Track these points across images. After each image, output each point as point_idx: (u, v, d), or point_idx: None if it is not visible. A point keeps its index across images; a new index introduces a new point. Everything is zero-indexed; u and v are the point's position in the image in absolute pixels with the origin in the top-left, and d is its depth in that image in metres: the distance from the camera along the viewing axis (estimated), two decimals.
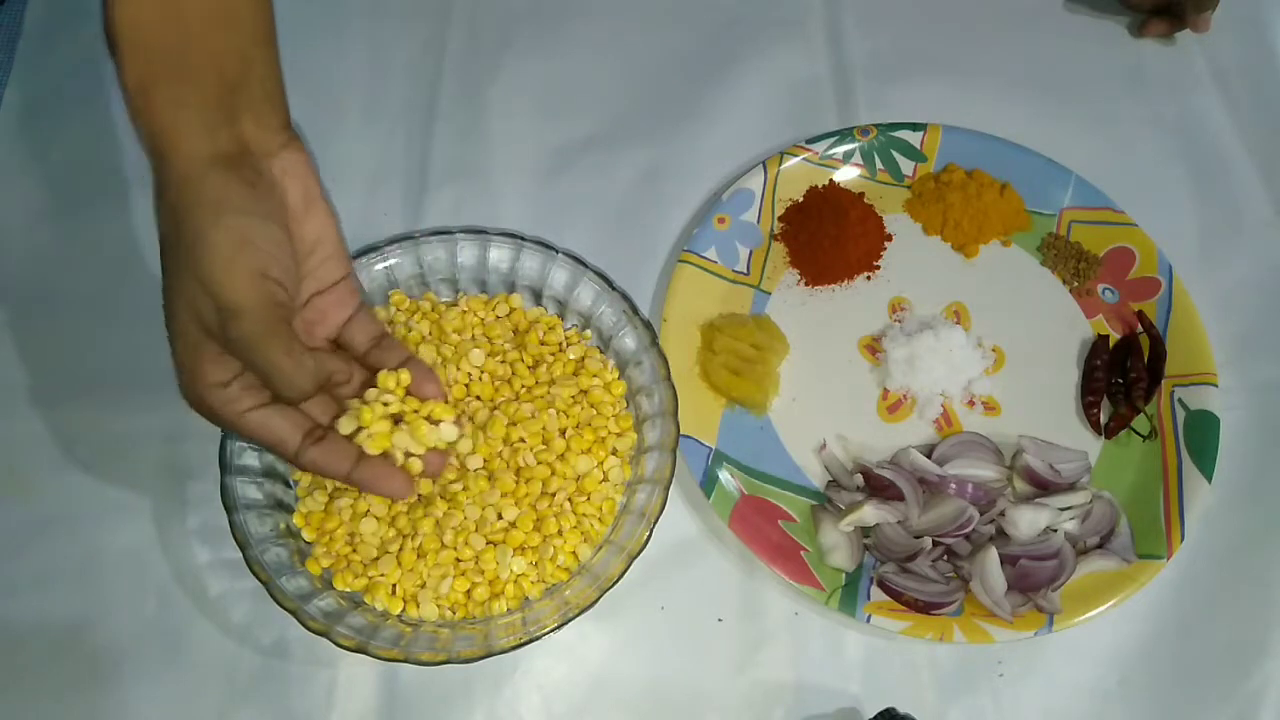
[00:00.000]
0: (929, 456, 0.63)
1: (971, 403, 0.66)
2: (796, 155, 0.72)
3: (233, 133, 0.43)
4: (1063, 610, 0.58)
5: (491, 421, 0.59)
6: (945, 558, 0.61)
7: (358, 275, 0.61)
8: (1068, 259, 0.70)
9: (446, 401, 0.52)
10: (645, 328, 0.61)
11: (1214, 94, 0.79)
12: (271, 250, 0.42)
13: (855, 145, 0.72)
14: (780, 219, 0.71)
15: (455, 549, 0.55)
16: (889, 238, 0.71)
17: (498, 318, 0.63)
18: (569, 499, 0.58)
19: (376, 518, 0.56)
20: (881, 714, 0.56)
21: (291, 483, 0.59)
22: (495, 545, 0.56)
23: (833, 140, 0.72)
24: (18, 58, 0.75)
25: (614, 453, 0.60)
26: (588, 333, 0.63)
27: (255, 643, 0.58)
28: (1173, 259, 0.69)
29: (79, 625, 0.58)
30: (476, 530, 0.56)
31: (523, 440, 0.58)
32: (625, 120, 0.76)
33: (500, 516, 0.57)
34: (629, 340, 0.61)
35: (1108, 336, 0.68)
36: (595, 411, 0.60)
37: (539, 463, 0.58)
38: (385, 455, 0.49)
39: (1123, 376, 0.66)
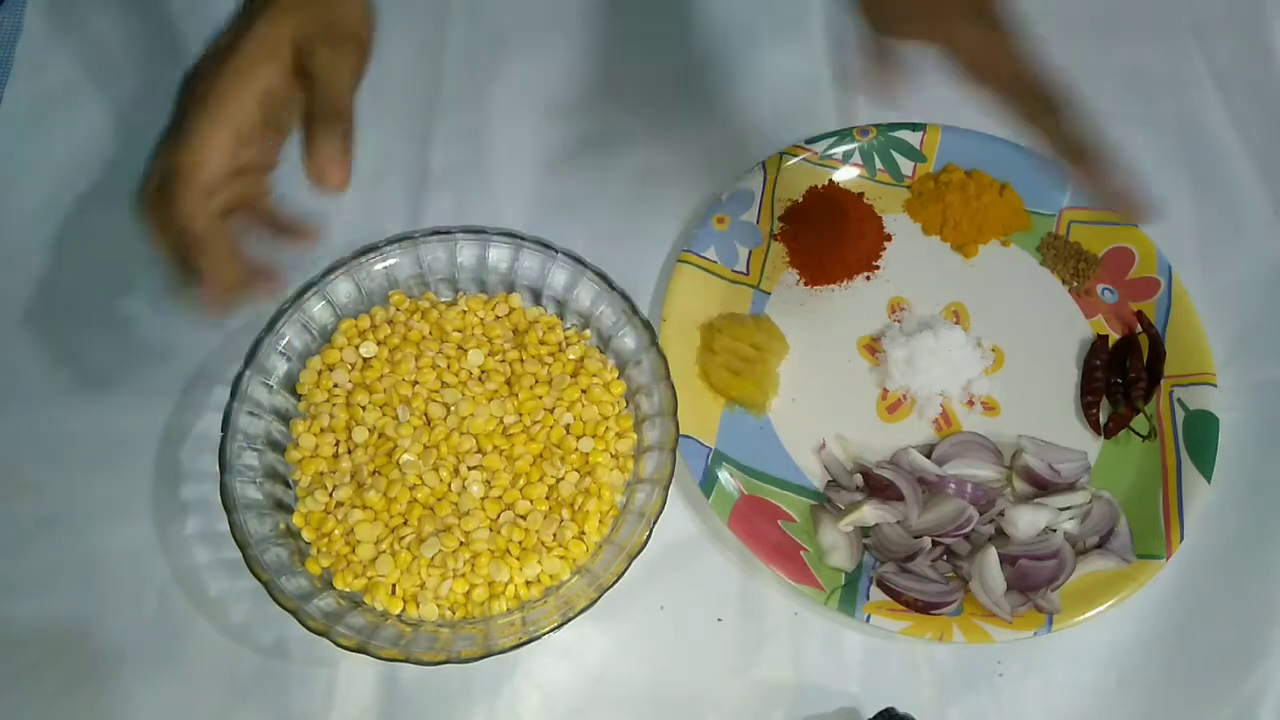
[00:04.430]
0: (928, 456, 0.63)
1: (971, 403, 0.66)
2: (796, 155, 0.72)
3: None
4: (1062, 610, 0.58)
5: (489, 422, 0.59)
6: (945, 558, 0.61)
7: (357, 275, 0.61)
8: (1067, 259, 0.70)
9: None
10: (645, 327, 0.61)
11: (1214, 94, 0.79)
12: None
13: (855, 145, 0.72)
14: (780, 219, 0.71)
15: (453, 556, 0.56)
16: (888, 238, 0.71)
17: (497, 318, 0.64)
18: (568, 500, 0.58)
19: (375, 510, 0.56)
20: (881, 714, 0.56)
21: (291, 483, 0.59)
22: (493, 554, 0.56)
23: (832, 140, 0.72)
24: (18, 58, 0.75)
25: (614, 453, 0.60)
26: (587, 332, 0.63)
27: (255, 643, 0.58)
28: (1172, 259, 0.69)
29: (79, 625, 0.58)
30: (472, 537, 0.56)
31: (526, 437, 0.59)
32: (625, 120, 0.76)
33: (498, 518, 0.57)
34: (629, 340, 0.61)
35: (1107, 336, 0.68)
36: (595, 411, 0.60)
37: (537, 462, 0.59)
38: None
39: (1122, 376, 0.66)
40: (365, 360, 0.61)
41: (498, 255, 0.63)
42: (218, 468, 0.55)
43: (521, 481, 0.58)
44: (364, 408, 0.59)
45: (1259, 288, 0.72)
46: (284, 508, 0.57)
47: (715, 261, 0.69)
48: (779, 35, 0.80)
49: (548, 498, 0.58)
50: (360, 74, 0.50)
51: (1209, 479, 0.61)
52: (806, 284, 0.70)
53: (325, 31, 0.48)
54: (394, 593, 0.55)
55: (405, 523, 0.57)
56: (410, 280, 0.63)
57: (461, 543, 0.56)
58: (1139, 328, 0.68)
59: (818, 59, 0.79)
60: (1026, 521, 0.59)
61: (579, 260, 0.62)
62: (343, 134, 0.47)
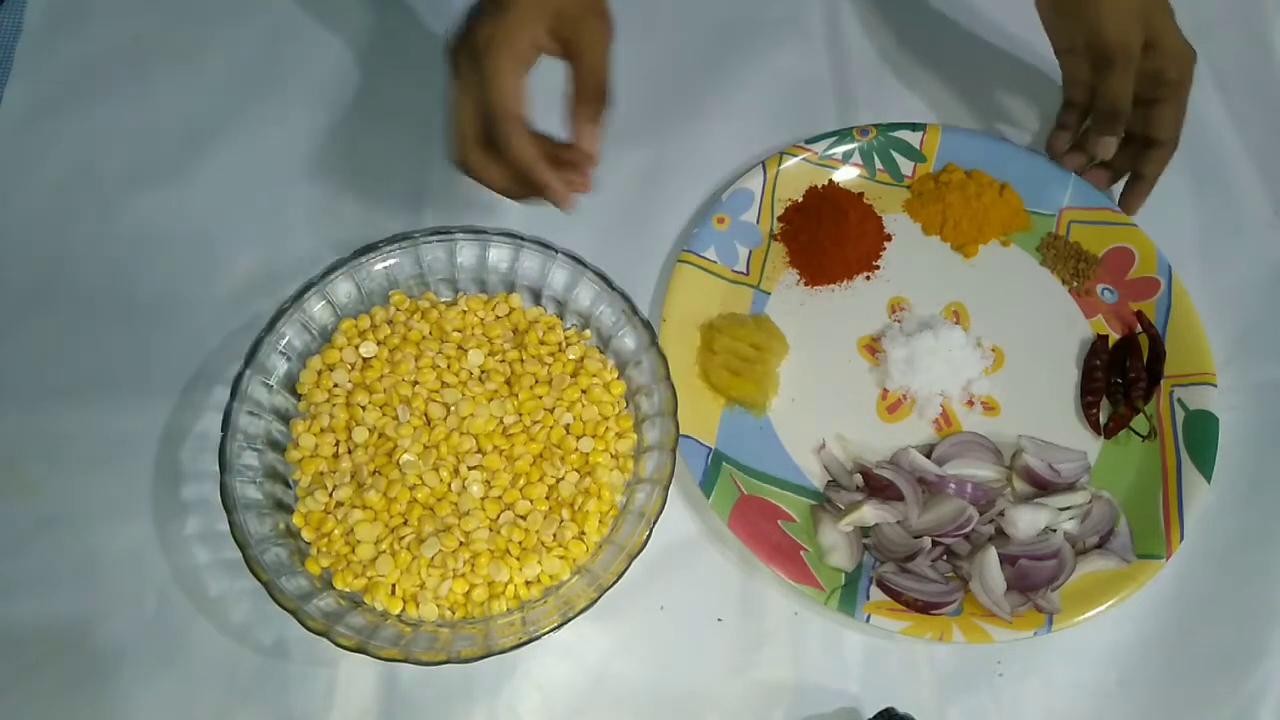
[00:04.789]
0: (928, 456, 0.63)
1: (971, 403, 0.66)
2: (796, 155, 0.72)
3: None
4: (1062, 610, 0.58)
5: (489, 422, 0.59)
6: (945, 558, 0.61)
7: (357, 275, 0.61)
8: (1067, 259, 0.70)
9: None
10: (645, 328, 0.61)
11: (1214, 94, 0.79)
12: None
13: (855, 145, 0.72)
14: (780, 219, 0.71)
15: (453, 556, 0.56)
16: (888, 238, 0.71)
17: (497, 318, 0.64)
18: (568, 500, 0.58)
19: (374, 510, 0.56)
20: (881, 714, 0.56)
21: (291, 483, 0.59)
22: (493, 554, 0.56)
23: (832, 140, 0.72)
24: (18, 58, 0.75)
25: (614, 453, 0.60)
26: (587, 333, 0.63)
27: (255, 643, 0.58)
28: (1172, 259, 0.69)
29: (79, 625, 0.58)
30: (472, 537, 0.56)
31: (526, 437, 0.59)
32: (625, 120, 0.75)
33: (498, 518, 0.57)
34: (629, 340, 0.61)
35: (1107, 336, 0.68)
36: (595, 411, 0.60)
37: (537, 462, 0.59)
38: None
39: (1122, 376, 0.66)
40: (365, 360, 0.61)
41: (498, 255, 0.63)
42: (218, 468, 0.55)
43: (521, 481, 0.58)
44: (364, 408, 0.59)
45: (1259, 288, 0.72)
46: (284, 508, 0.57)
47: (715, 261, 0.69)
48: (779, 35, 0.80)
49: (548, 498, 0.58)
50: (611, 49, 0.57)
51: (1209, 479, 0.61)
52: (806, 284, 0.69)
53: (584, 3, 0.55)
54: (394, 593, 0.55)
55: (405, 523, 0.57)
56: (410, 280, 0.63)
57: (461, 543, 0.56)
58: (1139, 328, 0.68)
59: (818, 59, 0.79)
60: (1026, 521, 0.59)
61: (579, 260, 0.62)
62: (605, 108, 0.57)
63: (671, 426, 0.57)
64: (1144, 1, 0.64)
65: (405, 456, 0.58)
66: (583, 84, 0.57)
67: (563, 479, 0.58)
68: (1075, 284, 0.70)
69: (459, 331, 0.62)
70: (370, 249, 0.61)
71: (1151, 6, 0.64)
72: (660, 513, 0.55)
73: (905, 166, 0.73)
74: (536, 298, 0.64)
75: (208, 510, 0.60)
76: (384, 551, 0.56)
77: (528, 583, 0.56)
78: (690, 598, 0.61)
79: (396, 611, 0.55)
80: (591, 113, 0.57)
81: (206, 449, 0.62)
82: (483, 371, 0.61)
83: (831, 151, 0.72)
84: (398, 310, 0.63)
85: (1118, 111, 0.66)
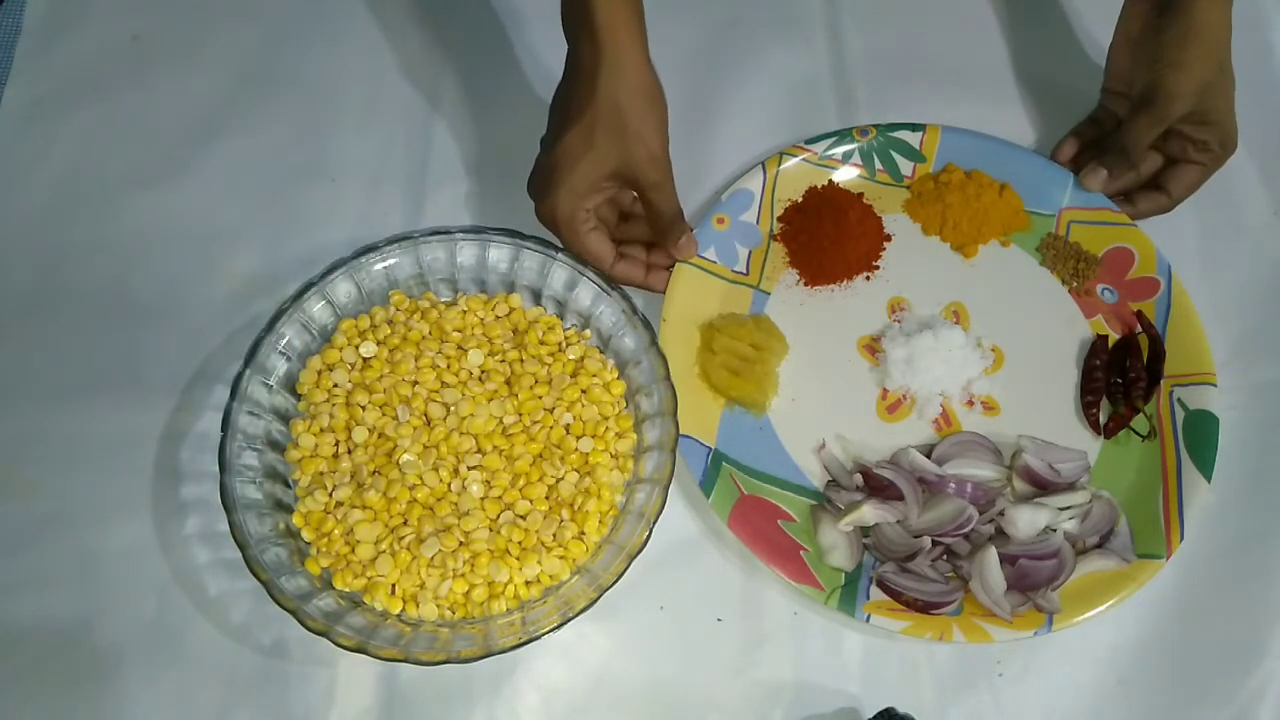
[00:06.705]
0: (928, 456, 0.63)
1: (971, 403, 0.66)
2: (796, 155, 0.72)
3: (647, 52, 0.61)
4: (1062, 610, 0.58)
5: (489, 422, 0.59)
6: (945, 557, 0.61)
7: (357, 275, 0.61)
8: (1067, 259, 0.70)
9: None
10: (645, 328, 0.61)
11: None
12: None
13: (854, 145, 0.72)
14: (779, 219, 0.71)
15: (453, 556, 0.56)
16: (888, 238, 0.71)
17: (497, 318, 0.64)
18: (568, 500, 0.58)
19: (374, 510, 0.56)
20: (881, 714, 0.56)
21: (291, 483, 0.59)
22: (493, 554, 0.56)
23: (832, 140, 0.72)
24: (17, 58, 0.75)
25: (614, 453, 0.60)
26: (587, 332, 0.63)
27: (255, 643, 0.58)
28: (1172, 259, 0.69)
29: (78, 625, 0.58)
30: (472, 537, 0.56)
31: (526, 437, 0.59)
32: None
33: (498, 518, 0.57)
34: (629, 340, 0.61)
35: (1107, 336, 0.68)
36: (595, 411, 0.60)
37: (537, 462, 0.59)
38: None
39: (1122, 376, 0.66)
40: (365, 360, 0.61)
41: (498, 255, 0.63)
42: (218, 468, 0.55)
43: (521, 481, 0.58)
44: (364, 408, 0.59)
45: (1259, 288, 0.72)
46: (284, 508, 0.57)
47: (715, 261, 0.69)
48: (779, 35, 0.80)
49: (547, 498, 0.58)
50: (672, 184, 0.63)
51: (1209, 479, 0.61)
52: (806, 284, 0.69)
53: (635, 166, 0.60)
54: (394, 593, 0.55)
55: (405, 523, 0.57)
56: (410, 280, 0.63)
57: (461, 543, 0.56)
58: (1139, 328, 0.68)
59: (818, 59, 0.79)
60: (1026, 521, 0.59)
61: (579, 260, 0.62)
62: (681, 228, 0.65)
63: (671, 426, 0.57)
64: (1213, 80, 0.66)
65: (405, 456, 0.58)
66: (654, 220, 0.64)
67: (563, 479, 0.58)
68: (1075, 284, 0.70)
69: (459, 331, 0.62)
70: (370, 249, 0.61)
71: (1216, 85, 0.67)
72: (660, 513, 0.55)
73: (905, 167, 0.73)
74: (536, 298, 0.64)
75: (208, 510, 0.60)
76: (384, 551, 0.56)
77: (527, 583, 0.57)
78: (690, 598, 0.61)
79: (396, 611, 0.55)
80: (673, 238, 0.65)
81: (206, 449, 0.62)
82: (483, 371, 0.61)
83: (831, 151, 0.72)
84: (398, 310, 0.63)
85: (1129, 153, 0.69)
